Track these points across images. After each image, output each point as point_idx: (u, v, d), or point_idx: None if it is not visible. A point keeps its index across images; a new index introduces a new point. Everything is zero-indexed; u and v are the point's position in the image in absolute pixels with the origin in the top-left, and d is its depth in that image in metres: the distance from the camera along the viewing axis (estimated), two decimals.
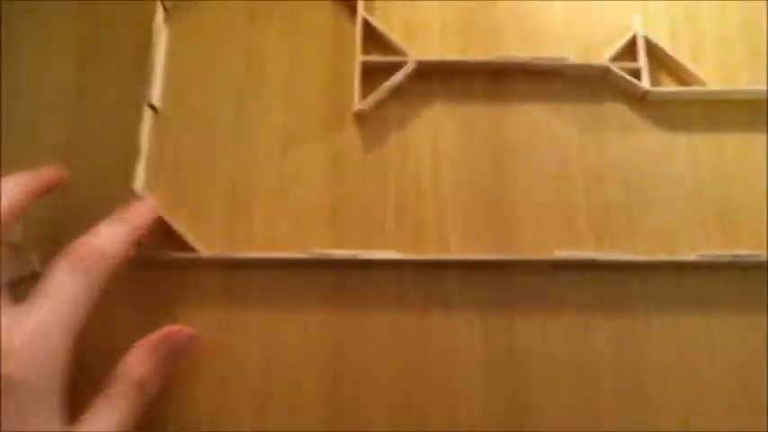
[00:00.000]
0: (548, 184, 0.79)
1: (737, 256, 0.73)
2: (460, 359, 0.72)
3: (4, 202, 0.58)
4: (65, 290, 0.57)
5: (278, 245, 0.76)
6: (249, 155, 0.80)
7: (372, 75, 0.82)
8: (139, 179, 0.77)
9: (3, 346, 0.51)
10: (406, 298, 0.75)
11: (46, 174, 0.67)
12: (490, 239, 0.77)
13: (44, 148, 0.80)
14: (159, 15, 0.84)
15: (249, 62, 0.84)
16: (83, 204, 0.77)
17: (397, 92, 0.82)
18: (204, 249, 0.75)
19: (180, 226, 0.76)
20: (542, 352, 0.72)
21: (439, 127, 0.81)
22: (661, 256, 0.74)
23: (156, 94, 0.81)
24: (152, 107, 0.81)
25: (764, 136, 0.79)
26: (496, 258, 0.74)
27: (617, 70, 0.81)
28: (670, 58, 0.82)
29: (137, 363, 0.64)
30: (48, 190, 0.66)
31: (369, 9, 0.85)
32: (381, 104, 0.82)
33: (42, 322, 0.54)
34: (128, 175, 0.77)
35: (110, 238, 0.62)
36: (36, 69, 0.84)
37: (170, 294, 0.74)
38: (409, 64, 0.81)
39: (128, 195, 0.74)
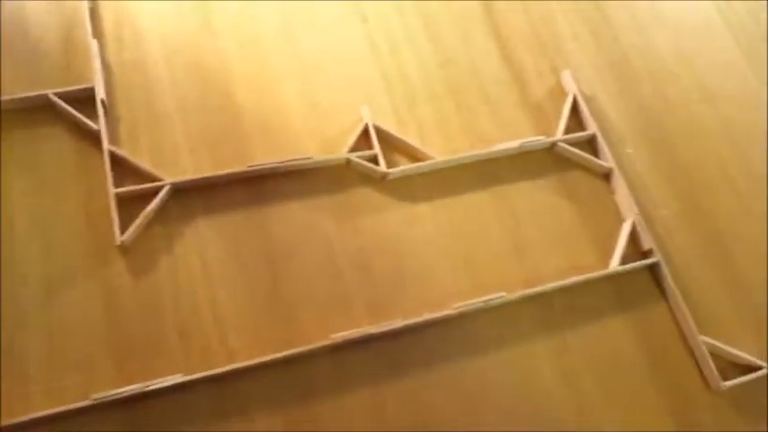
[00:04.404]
0: (319, 274, 0.91)
1: (486, 301, 0.92)
2: None
3: None
4: None
5: (62, 397, 0.80)
6: (14, 315, 0.83)
7: (132, 204, 0.90)
8: None
9: None
10: (202, 415, 0.82)
11: None
12: (274, 340, 0.86)
13: None
14: None
15: None
16: None
17: (160, 215, 0.91)
18: None
19: None
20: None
21: (204, 242, 0.91)
22: (426, 317, 0.90)
23: None
24: None
25: (487, 193, 1.01)
26: (278, 357, 0.83)
27: (356, 159, 0.98)
28: (400, 140, 1.01)
29: None
30: None
31: (114, 139, 0.95)
32: (146, 231, 0.90)
33: None
34: None
35: None
36: None
37: None
38: (164, 189, 0.91)
39: None
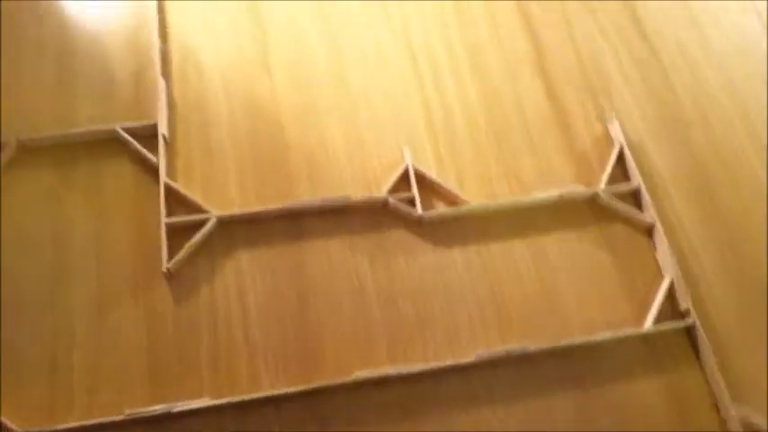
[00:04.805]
0: (348, 311, 0.94)
1: (508, 350, 0.92)
2: None
3: None
4: None
5: (100, 409, 0.87)
6: (65, 327, 0.91)
7: (181, 233, 0.96)
8: None
9: None
10: None
11: None
12: (299, 371, 0.90)
13: None
14: None
15: (57, 239, 0.96)
16: None
17: (205, 245, 0.97)
18: (21, 426, 0.85)
19: None
20: None
21: (243, 274, 0.96)
22: (445, 362, 0.91)
23: None
24: None
25: (523, 241, 1.01)
26: (300, 389, 0.87)
27: (394, 201, 1.01)
28: (437, 184, 1.03)
29: None
30: None
31: (171, 172, 1.02)
32: (191, 259, 0.96)
33: None
34: None
35: None
36: None
37: None
38: (210, 221, 0.98)
39: None
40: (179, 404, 0.87)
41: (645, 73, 1.17)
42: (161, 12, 1.15)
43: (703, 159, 1.10)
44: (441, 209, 1.02)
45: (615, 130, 1.09)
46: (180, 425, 0.88)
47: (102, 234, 0.98)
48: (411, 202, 1.02)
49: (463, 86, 1.13)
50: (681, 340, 0.95)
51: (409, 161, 1.04)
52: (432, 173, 1.04)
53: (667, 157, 1.09)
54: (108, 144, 1.04)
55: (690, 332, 0.95)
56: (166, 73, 1.10)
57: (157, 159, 1.02)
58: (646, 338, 0.95)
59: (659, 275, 0.99)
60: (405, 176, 1.04)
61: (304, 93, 1.11)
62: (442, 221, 1.02)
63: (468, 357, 0.92)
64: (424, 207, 1.01)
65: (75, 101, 1.07)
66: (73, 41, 1.12)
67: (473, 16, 1.20)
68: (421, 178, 1.04)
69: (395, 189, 1.03)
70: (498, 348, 0.92)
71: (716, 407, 0.90)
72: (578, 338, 0.93)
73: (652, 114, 1.13)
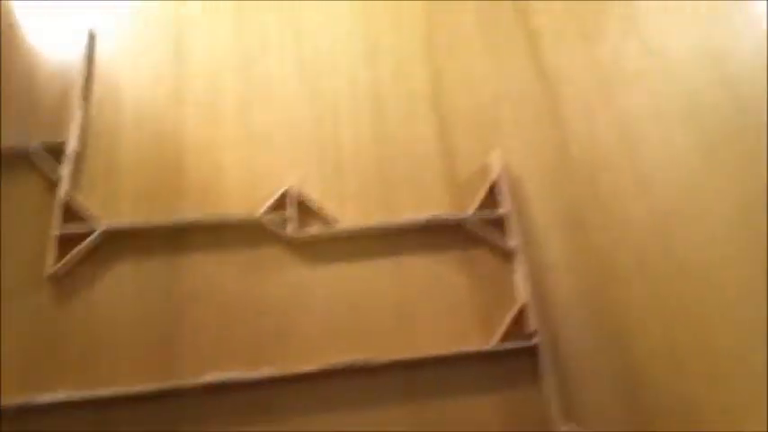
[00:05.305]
0: (213, 321, 1.01)
1: (351, 362, 0.97)
2: None
3: None
4: None
5: None
6: None
7: (71, 243, 1.06)
8: None
9: None
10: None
11: None
12: (158, 373, 0.97)
13: None
14: None
15: None
16: None
17: (92, 254, 1.06)
18: None
19: None
20: None
21: (123, 281, 1.04)
22: (287, 370, 0.96)
23: None
24: None
25: (388, 263, 1.07)
26: (155, 389, 0.95)
27: (266, 221, 1.08)
28: (314, 206, 1.10)
29: None
30: None
31: (76, 186, 1.11)
32: (77, 267, 1.05)
33: None
34: None
35: None
36: None
37: None
38: (96, 232, 1.07)
39: None
40: (42, 397, 0.94)
41: (538, 116, 1.23)
42: (90, 45, 1.27)
43: (582, 198, 1.14)
44: (311, 229, 1.09)
45: (494, 162, 1.15)
46: (43, 417, 0.94)
47: (8, 241, 1.07)
48: (285, 222, 1.09)
49: (357, 122, 1.21)
50: (525, 361, 0.98)
51: (289, 185, 1.12)
52: (313, 198, 1.11)
53: (546, 192, 1.15)
54: (22, 159, 1.14)
55: (534, 353, 0.98)
56: (87, 99, 1.21)
57: (59, 175, 1.11)
58: (490, 357, 0.98)
59: (514, 299, 1.03)
60: (287, 200, 1.11)
61: (209, 125, 1.21)
62: (315, 242, 1.09)
63: (311, 366, 0.96)
64: (301, 228, 1.08)
65: (2, 120, 1.19)
66: (6, 69, 1.25)
67: (381, 52, 1.29)
68: (300, 202, 1.11)
69: (276, 208, 1.10)
70: (342, 360, 0.97)
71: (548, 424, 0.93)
72: (421, 352, 0.97)
73: (538, 154, 1.19)
